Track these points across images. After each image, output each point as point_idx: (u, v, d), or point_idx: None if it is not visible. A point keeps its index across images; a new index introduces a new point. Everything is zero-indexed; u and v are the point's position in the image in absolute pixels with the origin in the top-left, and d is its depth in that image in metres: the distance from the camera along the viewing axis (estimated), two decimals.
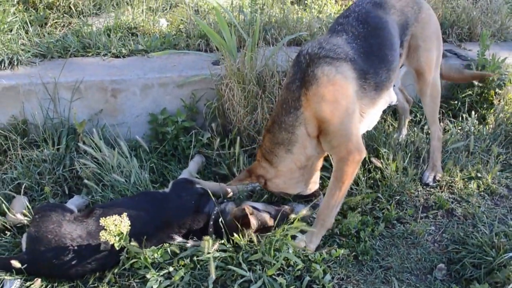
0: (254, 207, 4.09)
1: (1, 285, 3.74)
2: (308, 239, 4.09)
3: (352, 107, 3.94)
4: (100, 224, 3.61)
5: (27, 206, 4.26)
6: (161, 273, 3.80)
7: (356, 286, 3.88)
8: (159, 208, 4.11)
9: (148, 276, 3.76)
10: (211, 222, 4.09)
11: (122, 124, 5.26)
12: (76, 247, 3.77)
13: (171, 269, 3.84)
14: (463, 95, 5.87)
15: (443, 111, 5.75)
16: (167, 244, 4.02)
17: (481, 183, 4.87)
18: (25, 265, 3.70)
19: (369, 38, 4.13)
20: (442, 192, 4.81)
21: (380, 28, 4.21)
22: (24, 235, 3.92)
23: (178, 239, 4.06)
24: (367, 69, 4.03)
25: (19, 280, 3.75)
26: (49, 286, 3.80)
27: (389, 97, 4.41)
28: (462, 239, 4.22)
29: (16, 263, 3.67)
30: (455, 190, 4.82)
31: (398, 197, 4.67)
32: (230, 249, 3.93)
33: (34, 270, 3.78)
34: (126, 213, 3.71)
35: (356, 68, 3.95)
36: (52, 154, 4.82)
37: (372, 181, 4.78)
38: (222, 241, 3.97)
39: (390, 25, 4.27)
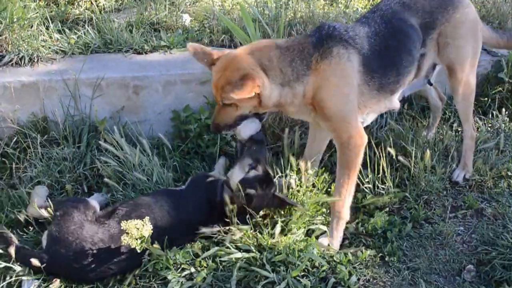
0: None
1: (19, 285, 3.75)
2: (330, 236, 4.10)
3: (353, 96, 4.01)
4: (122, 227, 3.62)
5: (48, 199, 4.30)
6: (183, 274, 3.79)
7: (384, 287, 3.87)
8: (177, 207, 4.12)
9: (169, 277, 3.75)
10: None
11: (144, 121, 5.25)
12: (97, 251, 3.77)
13: (193, 270, 3.82)
14: (493, 91, 5.78)
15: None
16: (189, 245, 4.01)
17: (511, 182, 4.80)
18: (44, 265, 3.71)
19: (388, 39, 4.17)
20: (471, 191, 4.77)
21: (403, 31, 4.24)
22: (45, 233, 3.93)
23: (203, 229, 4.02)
24: (376, 68, 4.08)
25: (36, 281, 3.76)
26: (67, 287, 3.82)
27: (390, 102, 4.38)
28: (492, 239, 4.17)
29: (36, 262, 3.67)
30: (485, 190, 4.78)
31: (426, 197, 4.63)
32: (253, 249, 3.90)
33: (53, 270, 3.79)
34: (148, 215, 3.74)
35: (364, 64, 4.02)
36: (73, 152, 4.83)
37: (399, 180, 4.71)
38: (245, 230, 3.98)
39: (414, 30, 4.28)
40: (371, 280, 3.91)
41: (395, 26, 4.20)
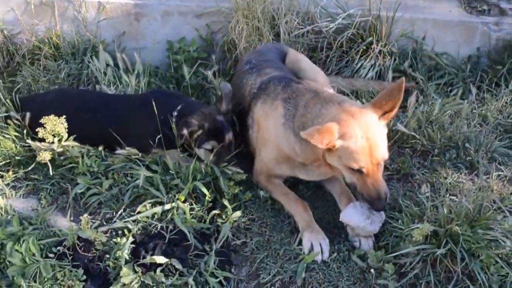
0: None
1: None
2: None
3: None
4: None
5: None
6: (94, 182, 4.43)
7: (263, 228, 4.16)
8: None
9: (79, 180, 4.39)
10: None
11: (143, 49, 5.88)
12: None
13: (104, 179, 4.44)
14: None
15: (484, 75, 5.67)
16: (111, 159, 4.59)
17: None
18: None
19: None
20: (415, 156, 4.80)
21: None
22: None
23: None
24: None
25: None
26: None
27: None
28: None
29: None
30: (428, 157, 4.79)
31: None
32: (158, 170, 4.43)
33: None
34: None
35: None
36: (70, 67, 5.70)
37: None
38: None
39: None
40: (256, 220, 4.23)
41: None
